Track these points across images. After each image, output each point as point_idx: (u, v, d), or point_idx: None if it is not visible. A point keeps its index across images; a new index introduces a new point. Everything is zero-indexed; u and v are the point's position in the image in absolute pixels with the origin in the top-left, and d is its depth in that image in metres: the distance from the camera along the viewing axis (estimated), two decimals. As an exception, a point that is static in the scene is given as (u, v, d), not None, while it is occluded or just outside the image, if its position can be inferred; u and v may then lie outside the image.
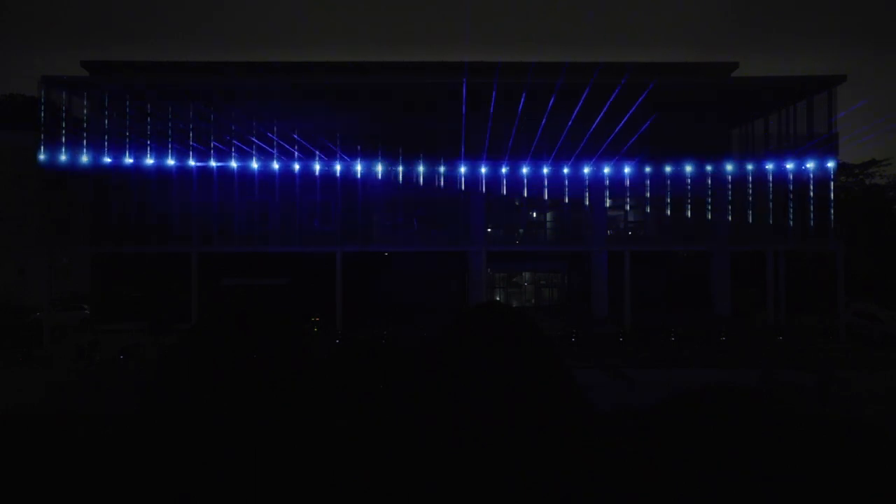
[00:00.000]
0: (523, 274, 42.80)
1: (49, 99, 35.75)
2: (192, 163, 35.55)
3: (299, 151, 36.25)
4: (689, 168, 36.42)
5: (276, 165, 36.18)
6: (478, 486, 10.34)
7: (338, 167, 36.15)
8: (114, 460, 8.89)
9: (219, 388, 10.32)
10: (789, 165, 36.27)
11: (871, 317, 35.72)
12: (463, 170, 36.99)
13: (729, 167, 36.56)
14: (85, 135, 35.33)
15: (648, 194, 36.42)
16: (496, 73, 36.82)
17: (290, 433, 9.51)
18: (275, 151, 36.10)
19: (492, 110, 36.12)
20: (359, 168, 36.03)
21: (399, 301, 39.34)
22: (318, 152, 36.16)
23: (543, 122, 37.30)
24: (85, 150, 34.86)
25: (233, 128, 35.84)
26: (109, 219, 35.48)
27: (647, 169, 36.50)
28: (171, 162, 35.39)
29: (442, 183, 37.17)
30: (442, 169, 36.73)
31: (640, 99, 36.28)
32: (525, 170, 36.57)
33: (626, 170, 36.71)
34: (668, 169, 36.52)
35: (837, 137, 36.92)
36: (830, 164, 37.31)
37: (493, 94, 36.20)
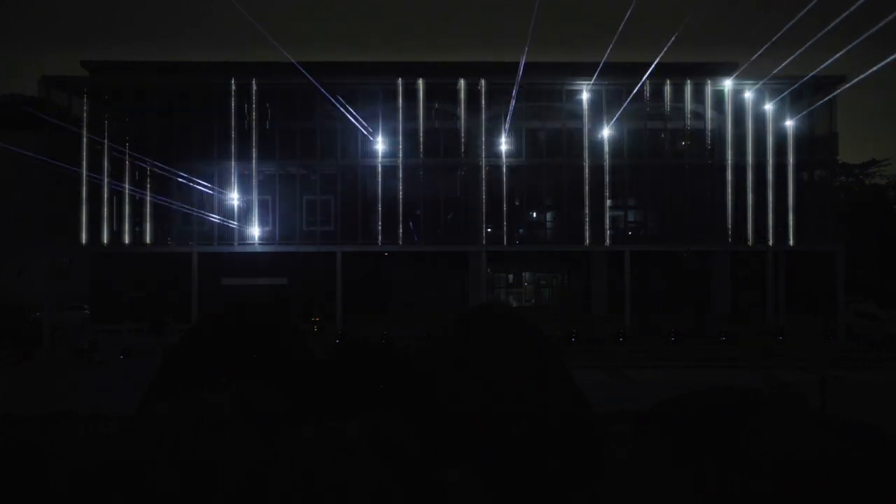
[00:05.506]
0: (523, 274, 42.75)
1: (49, 99, 35.75)
2: (192, 161, 35.57)
3: (299, 150, 36.24)
4: (688, 168, 36.41)
5: (276, 164, 36.24)
6: (477, 488, 10.35)
7: (338, 166, 36.17)
8: (113, 460, 8.90)
9: (218, 388, 10.32)
10: (789, 165, 36.26)
11: (871, 317, 35.70)
12: (464, 169, 37.04)
13: (729, 167, 36.54)
14: (85, 135, 35.33)
15: (649, 194, 36.38)
16: (495, 74, 36.87)
17: (289, 433, 9.51)
18: (275, 150, 36.10)
19: (491, 110, 36.13)
20: (358, 167, 36.02)
21: (399, 301, 39.30)
22: (317, 151, 36.16)
23: (544, 122, 37.32)
24: (85, 149, 34.86)
25: (233, 127, 35.81)
26: (109, 219, 35.47)
27: (648, 169, 36.49)
28: (170, 161, 35.41)
29: (442, 183, 37.20)
30: (441, 168, 36.76)
31: (641, 99, 36.30)
32: (525, 170, 36.56)
33: (627, 169, 36.70)
34: (668, 169, 36.51)
35: (837, 137, 36.92)
36: (830, 164, 37.35)
37: (493, 94, 36.25)
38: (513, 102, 35.70)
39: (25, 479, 9.76)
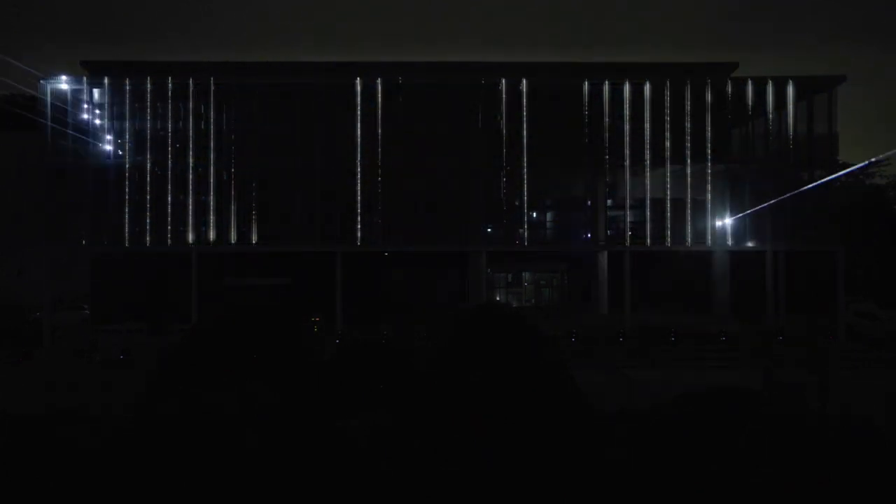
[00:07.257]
0: (523, 274, 42.72)
1: (49, 98, 35.71)
2: (191, 162, 35.57)
3: (300, 150, 36.23)
4: (689, 168, 36.40)
5: (276, 164, 36.22)
6: (476, 487, 10.35)
7: (339, 166, 36.17)
8: (113, 460, 8.91)
9: (219, 388, 10.33)
10: (789, 165, 36.26)
11: (871, 317, 35.71)
12: (463, 170, 37.02)
13: (729, 167, 36.54)
14: (85, 134, 35.31)
15: (648, 194, 36.38)
16: (495, 74, 36.88)
17: (289, 433, 9.52)
18: (274, 151, 36.11)
19: (491, 110, 36.15)
20: (359, 167, 36.01)
21: (399, 301, 39.25)
22: (318, 151, 36.15)
23: (543, 122, 37.28)
24: (85, 149, 34.84)
25: (232, 127, 35.80)
26: (109, 218, 35.46)
27: (647, 169, 36.48)
28: (170, 161, 35.42)
29: (442, 182, 37.18)
30: (442, 168, 36.77)
31: (640, 99, 36.31)
32: (526, 170, 36.55)
33: (626, 170, 36.70)
34: (668, 169, 36.50)
35: (837, 137, 36.92)
36: (830, 164, 37.33)
37: (491, 94, 36.25)
38: (503, 104, 35.73)
39: (25, 478, 9.77)
